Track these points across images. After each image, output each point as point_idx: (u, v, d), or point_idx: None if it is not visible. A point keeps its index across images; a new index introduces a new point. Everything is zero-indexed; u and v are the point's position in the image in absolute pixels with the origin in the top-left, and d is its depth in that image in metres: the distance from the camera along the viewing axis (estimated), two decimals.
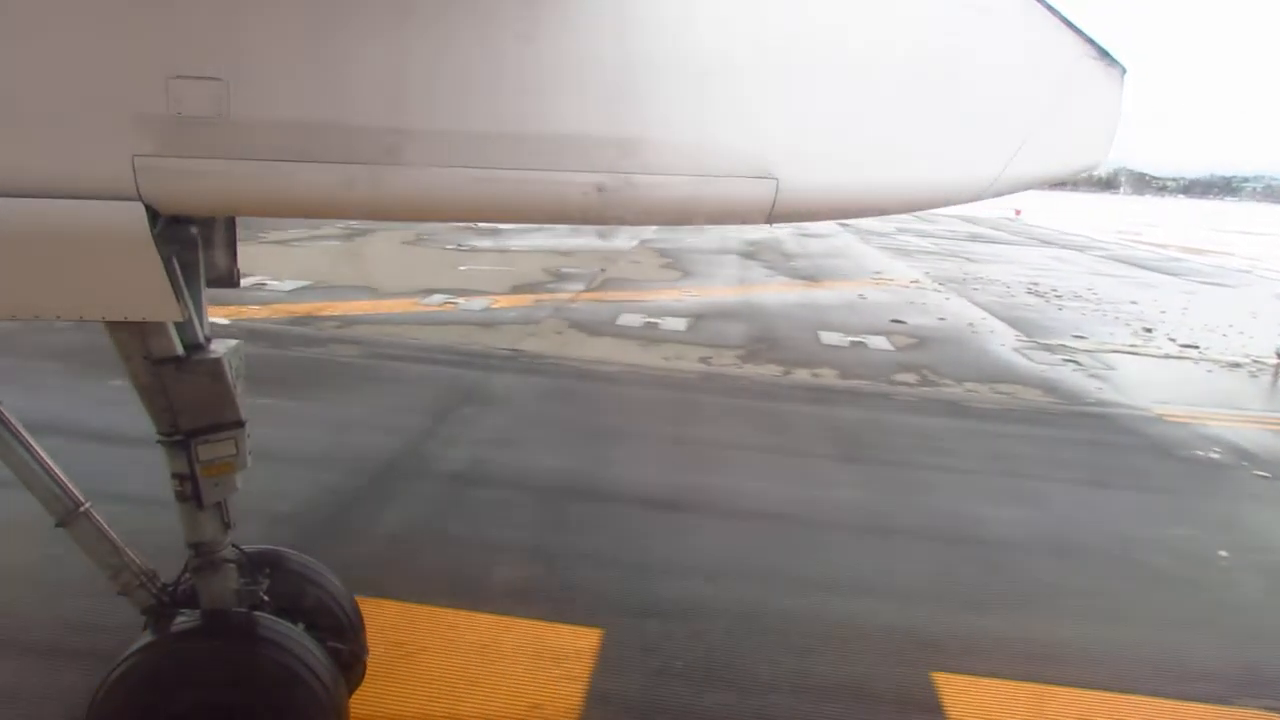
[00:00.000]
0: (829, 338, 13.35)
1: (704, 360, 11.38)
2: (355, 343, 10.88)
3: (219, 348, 2.98)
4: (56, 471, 3.10)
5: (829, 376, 11.02)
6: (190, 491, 3.04)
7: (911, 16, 2.61)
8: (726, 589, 5.36)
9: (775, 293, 17.73)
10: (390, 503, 6.23)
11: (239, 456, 3.06)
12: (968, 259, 28.35)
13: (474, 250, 21.03)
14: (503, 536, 5.85)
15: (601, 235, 23.72)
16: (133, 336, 2.77)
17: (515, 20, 2.33)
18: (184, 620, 3.19)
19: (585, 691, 4.27)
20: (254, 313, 12.08)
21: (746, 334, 13.27)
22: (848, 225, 39.45)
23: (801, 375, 11.00)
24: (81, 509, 3.13)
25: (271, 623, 3.18)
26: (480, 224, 24.04)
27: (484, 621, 4.79)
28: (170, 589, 3.32)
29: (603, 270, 18.94)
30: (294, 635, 3.17)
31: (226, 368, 2.94)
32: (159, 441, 3.00)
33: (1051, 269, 27.00)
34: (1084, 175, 3.23)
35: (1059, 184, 3.38)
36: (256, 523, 5.63)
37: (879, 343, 13.29)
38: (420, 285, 15.20)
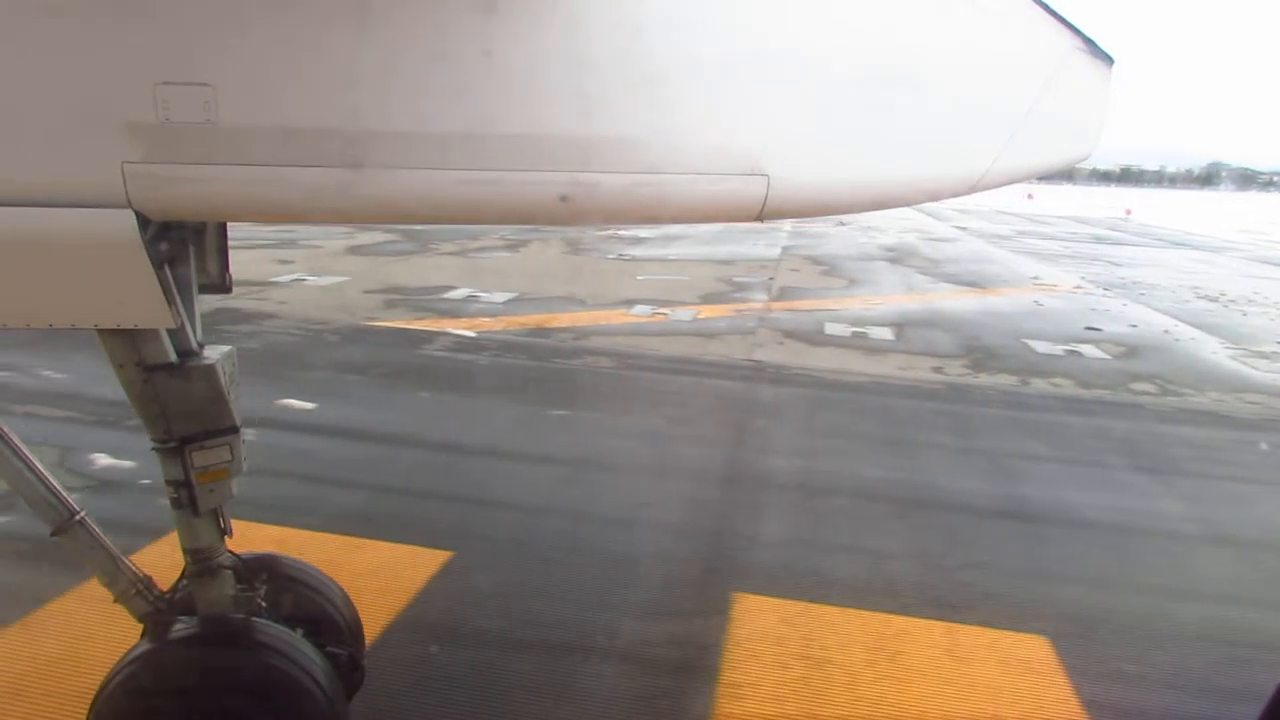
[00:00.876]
0: (1040, 346, 13.33)
1: (936, 370, 11.51)
2: (603, 354, 11.29)
3: (212, 354, 2.95)
4: (51, 481, 3.08)
5: (1068, 386, 11.05)
6: (186, 498, 3.01)
7: (900, 10, 2.62)
8: (1130, 598, 5.53)
9: (951, 300, 17.70)
10: (760, 512, 6.55)
11: (234, 462, 3.03)
12: (1111, 262, 27.76)
13: (635, 260, 21.39)
14: (890, 545, 6.12)
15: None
16: (125, 344, 2.75)
17: (506, 22, 2.33)
18: (181, 627, 3.14)
19: (1078, 699, 4.47)
20: (489, 325, 12.60)
21: (957, 343, 13.34)
22: (966, 229, 39.01)
23: (1040, 385, 11.04)
24: (76, 518, 3.11)
25: (269, 628, 3.14)
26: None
27: (934, 628, 5.04)
28: (167, 596, 3.28)
29: (771, 279, 19.15)
30: (291, 641, 3.11)
31: (220, 374, 2.91)
32: (154, 449, 2.98)
33: (1201, 272, 26.32)
34: (1074, 167, 3.25)
35: (1048, 176, 3.32)
36: (657, 534, 6.05)
37: (1091, 351, 13.23)
38: (617, 296, 15.61)
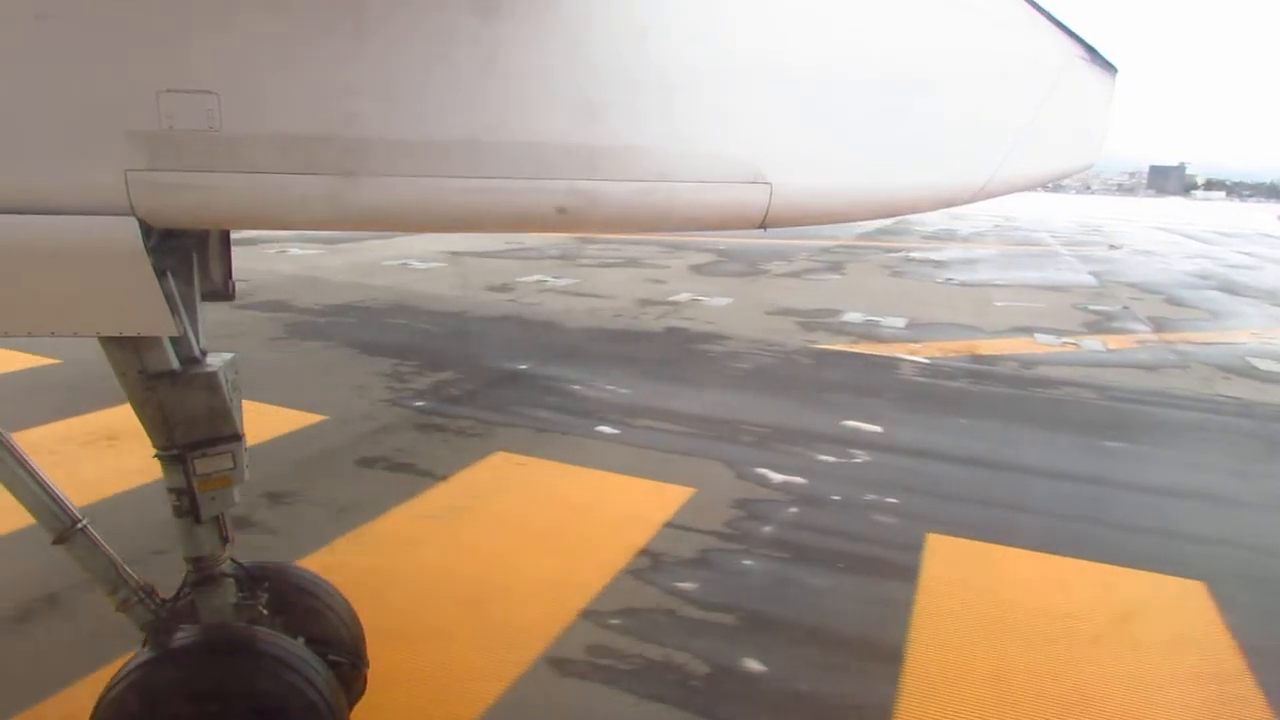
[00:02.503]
0: None
1: None
2: (1073, 384, 11.44)
3: (215, 361, 2.95)
4: (53, 488, 3.07)
5: None
6: (187, 506, 3.01)
7: (901, 18, 2.57)
8: None
9: None
10: None
11: (236, 470, 3.04)
12: None
13: (966, 285, 21.33)
14: None
15: None
16: (128, 351, 2.76)
17: (508, 27, 2.30)
18: (183, 636, 3.12)
19: None
20: (924, 351, 12.98)
21: None
22: (1253, 254, 36.69)
23: None
24: (78, 526, 3.10)
25: (270, 637, 3.12)
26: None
27: None
28: (169, 604, 3.27)
29: (1126, 307, 18.69)
30: (293, 649, 3.10)
31: (223, 381, 2.92)
32: (156, 456, 2.99)
33: None
34: (1077, 175, 3.10)
35: (1052, 185, 3.25)
36: None
37: None
38: (1004, 324, 15.71)
